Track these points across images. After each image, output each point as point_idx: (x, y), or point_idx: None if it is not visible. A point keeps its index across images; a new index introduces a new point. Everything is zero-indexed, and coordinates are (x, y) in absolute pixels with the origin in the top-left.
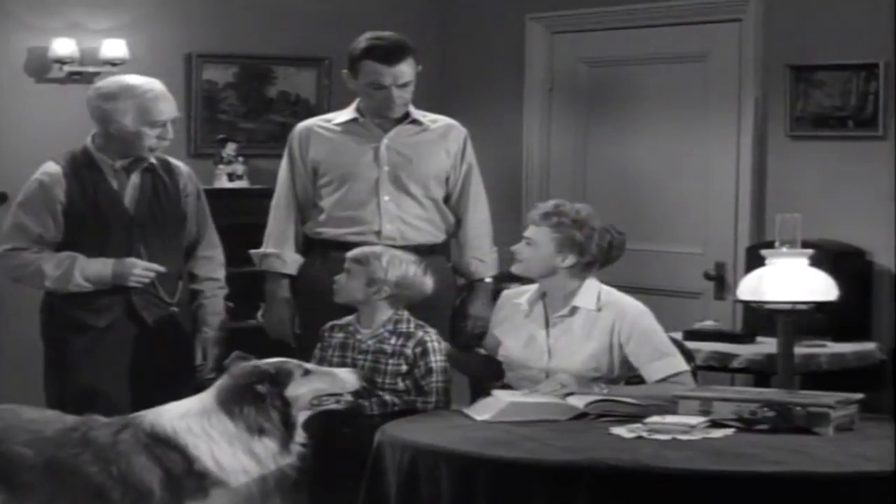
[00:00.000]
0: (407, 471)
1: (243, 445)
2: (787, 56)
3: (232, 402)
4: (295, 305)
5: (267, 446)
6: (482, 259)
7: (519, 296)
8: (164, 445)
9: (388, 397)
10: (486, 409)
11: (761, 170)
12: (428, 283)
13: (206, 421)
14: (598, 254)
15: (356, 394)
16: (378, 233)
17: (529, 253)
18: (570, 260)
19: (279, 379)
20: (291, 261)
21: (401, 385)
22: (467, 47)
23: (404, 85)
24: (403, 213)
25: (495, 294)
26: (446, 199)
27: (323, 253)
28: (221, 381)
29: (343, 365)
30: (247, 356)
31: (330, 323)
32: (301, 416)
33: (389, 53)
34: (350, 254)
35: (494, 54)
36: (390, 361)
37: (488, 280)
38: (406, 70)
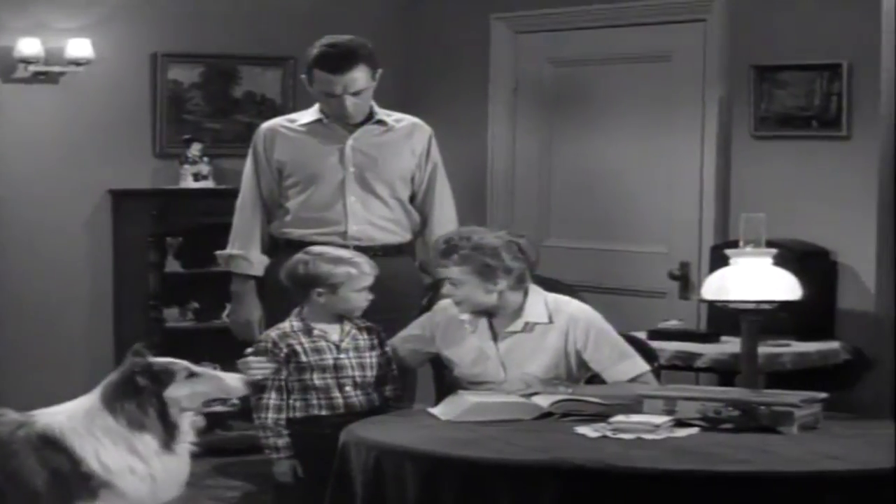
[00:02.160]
0: (372, 471)
1: (125, 442)
2: (751, 56)
3: (114, 398)
4: (261, 306)
5: (147, 443)
6: None
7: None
8: (52, 447)
9: (374, 394)
10: (452, 409)
11: (726, 169)
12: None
13: (91, 420)
14: (521, 265)
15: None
16: (344, 233)
17: (462, 293)
18: (503, 283)
19: (160, 378)
20: (258, 262)
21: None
22: (432, 47)
23: (357, 92)
24: (370, 214)
25: None
26: (412, 199)
27: (289, 253)
28: (109, 377)
29: (322, 368)
30: (143, 351)
31: (274, 334)
32: (184, 417)
33: (338, 62)
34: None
35: (459, 54)
36: (371, 354)
37: None
38: (357, 77)
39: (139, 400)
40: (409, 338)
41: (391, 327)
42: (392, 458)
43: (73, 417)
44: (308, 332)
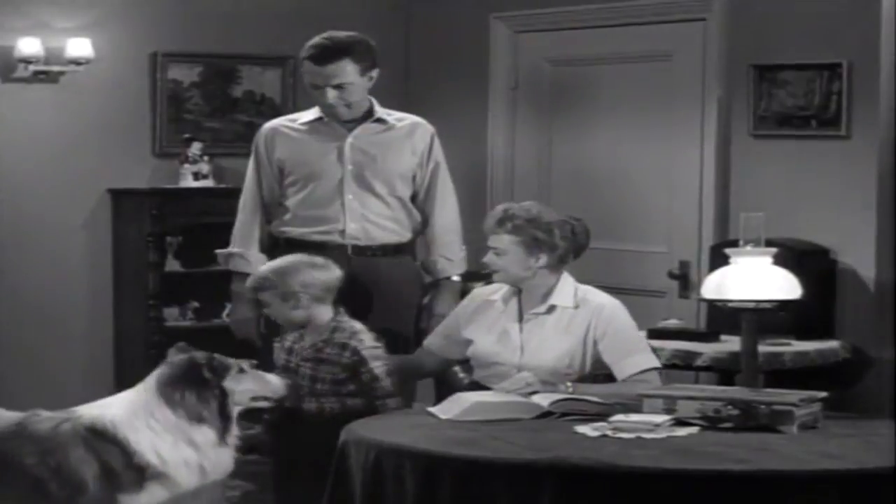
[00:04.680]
0: (372, 470)
1: (184, 434)
2: (750, 55)
3: (172, 390)
4: (259, 306)
5: (206, 435)
6: (449, 258)
7: (492, 293)
8: (102, 439)
9: (327, 405)
10: (451, 408)
11: (725, 169)
12: (326, 269)
13: (148, 413)
14: (567, 245)
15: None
16: (342, 232)
17: (502, 262)
18: (544, 259)
19: (219, 370)
20: (255, 261)
21: (350, 387)
22: (432, 46)
23: (339, 86)
24: (368, 212)
25: (463, 293)
26: (413, 198)
27: (288, 251)
28: (160, 371)
29: (287, 369)
30: (188, 348)
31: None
32: (234, 411)
33: (322, 54)
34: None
35: (459, 53)
36: (328, 369)
37: (455, 279)
38: (339, 71)
39: (200, 392)
40: (442, 328)
41: (389, 327)
42: (391, 456)
43: (128, 411)
44: (281, 337)
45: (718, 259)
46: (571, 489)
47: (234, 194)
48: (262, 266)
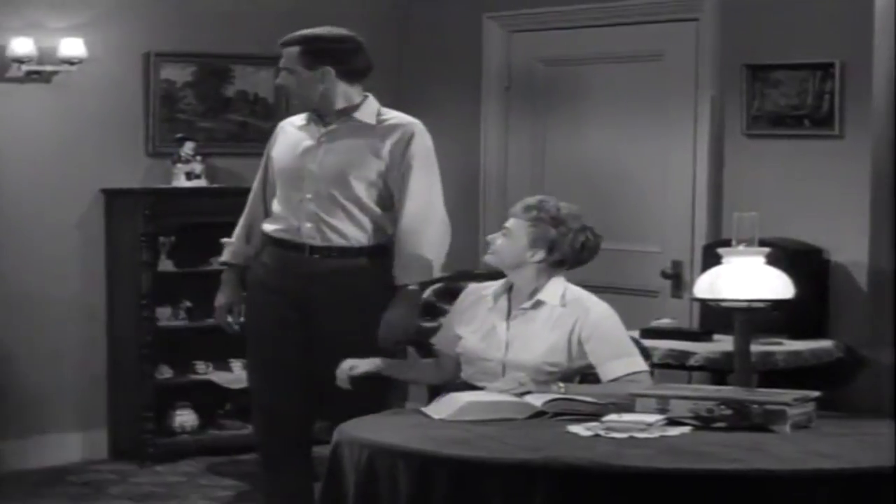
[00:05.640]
0: (365, 470)
1: None
2: (743, 55)
3: None
4: (237, 295)
5: None
6: (405, 264)
7: (486, 288)
8: None
9: None
10: (444, 408)
11: (718, 168)
12: None
13: None
14: (569, 253)
15: None
16: (298, 230)
17: (503, 244)
18: (539, 255)
19: None
20: (236, 251)
21: None
22: (425, 45)
23: (285, 69)
24: (323, 214)
25: (453, 294)
26: (391, 200)
27: (269, 248)
28: None
29: None
30: None
31: None
32: None
33: (285, 39)
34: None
35: (452, 53)
36: None
37: (412, 287)
38: (286, 55)
39: None
40: (444, 324)
41: (344, 329)
42: (385, 456)
43: None
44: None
45: (711, 258)
46: (564, 489)
47: (226, 194)
48: None
